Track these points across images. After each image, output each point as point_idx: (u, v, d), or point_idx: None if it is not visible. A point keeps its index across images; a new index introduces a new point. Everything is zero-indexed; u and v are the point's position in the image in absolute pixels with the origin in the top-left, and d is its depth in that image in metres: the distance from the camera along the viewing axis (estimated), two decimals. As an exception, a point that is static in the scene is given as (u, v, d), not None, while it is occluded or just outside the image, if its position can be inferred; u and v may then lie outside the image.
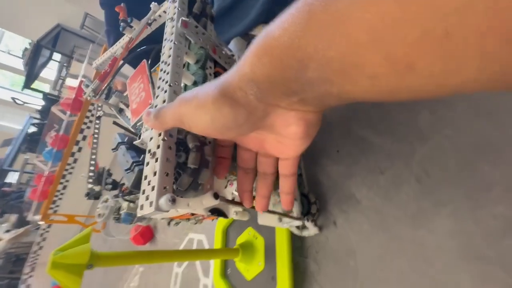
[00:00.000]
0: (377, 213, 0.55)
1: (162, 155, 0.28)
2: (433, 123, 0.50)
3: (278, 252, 0.66)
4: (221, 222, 0.89)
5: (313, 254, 0.65)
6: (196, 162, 0.31)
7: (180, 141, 0.32)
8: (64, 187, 2.17)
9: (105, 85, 0.50)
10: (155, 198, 0.26)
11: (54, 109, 1.55)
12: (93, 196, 0.58)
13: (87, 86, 0.57)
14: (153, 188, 0.27)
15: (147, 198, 0.27)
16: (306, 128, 0.22)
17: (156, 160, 0.28)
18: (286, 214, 0.58)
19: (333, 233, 0.62)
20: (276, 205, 0.60)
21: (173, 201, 0.26)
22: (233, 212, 0.49)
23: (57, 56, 4.03)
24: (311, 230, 0.63)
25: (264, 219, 0.57)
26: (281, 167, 0.29)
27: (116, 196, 0.60)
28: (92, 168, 0.60)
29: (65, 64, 3.85)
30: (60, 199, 2.26)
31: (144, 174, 0.29)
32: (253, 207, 0.41)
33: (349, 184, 0.61)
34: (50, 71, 4.49)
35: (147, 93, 0.51)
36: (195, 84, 0.43)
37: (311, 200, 0.65)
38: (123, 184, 0.57)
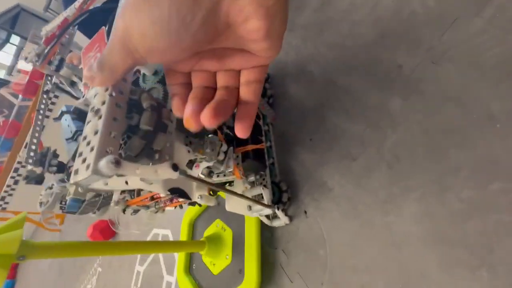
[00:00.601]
0: (348, 200, 0.53)
1: (108, 111, 0.23)
2: (404, 109, 0.50)
3: (246, 244, 0.63)
4: (188, 214, 0.83)
5: (283, 244, 0.62)
6: (150, 122, 0.26)
7: (133, 102, 0.28)
8: (16, 182, 1.95)
9: (49, 48, 0.43)
10: (93, 159, 0.21)
11: (4, 91, 1.38)
12: (34, 180, 0.50)
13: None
14: (92, 149, 0.22)
15: (83, 161, 0.22)
16: (269, 21, 0.17)
17: (100, 118, 0.23)
18: (257, 201, 0.55)
19: (304, 223, 0.60)
20: (246, 192, 0.57)
21: (117, 163, 0.21)
22: (198, 196, 0.45)
23: (16, 39, 3.67)
24: (281, 219, 0.61)
25: (233, 206, 0.54)
26: (245, 75, 0.22)
27: (63, 180, 0.53)
28: (33, 147, 0.52)
29: (23, 48, 3.51)
30: (10, 195, 2.03)
31: (83, 135, 0.24)
32: (214, 196, 0.37)
33: (322, 171, 0.59)
34: (6, 56, 4.06)
35: (104, 63, 0.45)
36: (156, 74, 0.35)
37: (283, 188, 0.62)
38: (72, 166, 0.50)
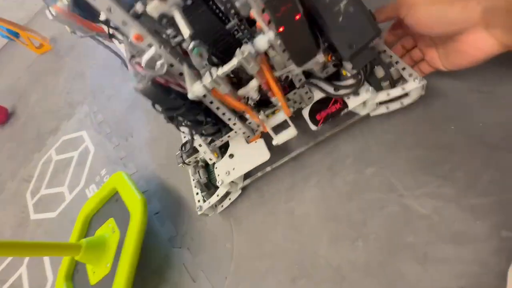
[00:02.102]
0: (257, 191, 0.55)
1: None
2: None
3: (124, 250, 0.54)
4: (86, 207, 0.68)
5: (188, 242, 0.58)
6: None
7: None
8: None
9: None
10: None
11: None
12: None
13: None
14: None
15: None
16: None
17: None
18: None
19: (213, 216, 0.58)
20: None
21: None
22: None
23: None
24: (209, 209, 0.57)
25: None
26: (428, 58, 0.43)
27: None
28: None
29: None
30: None
31: None
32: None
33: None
34: None
35: None
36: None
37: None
38: None
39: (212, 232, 0.56)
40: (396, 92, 0.42)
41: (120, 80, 1.06)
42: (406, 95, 0.43)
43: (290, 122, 0.47)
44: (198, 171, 0.57)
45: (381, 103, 0.46)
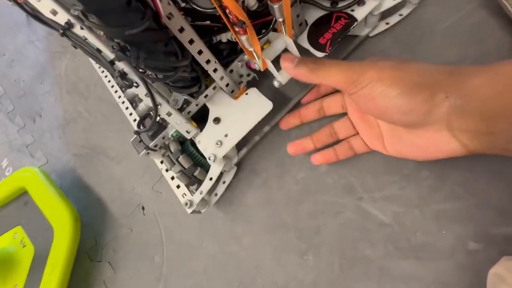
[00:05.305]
0: (193, 190, 0.45)
1: None
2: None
3: (47, 267, 0.42)
4: None
5: (110, 254, 0.47)
6: None
7: None
8: None
9: None
10: None
11: None
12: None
13: None
14: None
15: None
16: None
17: None
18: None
19: (139, 222, 0.47)
20: None
21: None
22: None
23: None
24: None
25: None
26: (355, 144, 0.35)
27: None
28: None
29: None
30: None
31: None
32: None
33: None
34: None
35: None
36: None
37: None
38: None
39: (139, 242, 0.46)
40: None
41: (25, 40, 0.81)
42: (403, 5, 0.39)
43: (293, 49, 0.32)
44: (172, 151, 0.39)
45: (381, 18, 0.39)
